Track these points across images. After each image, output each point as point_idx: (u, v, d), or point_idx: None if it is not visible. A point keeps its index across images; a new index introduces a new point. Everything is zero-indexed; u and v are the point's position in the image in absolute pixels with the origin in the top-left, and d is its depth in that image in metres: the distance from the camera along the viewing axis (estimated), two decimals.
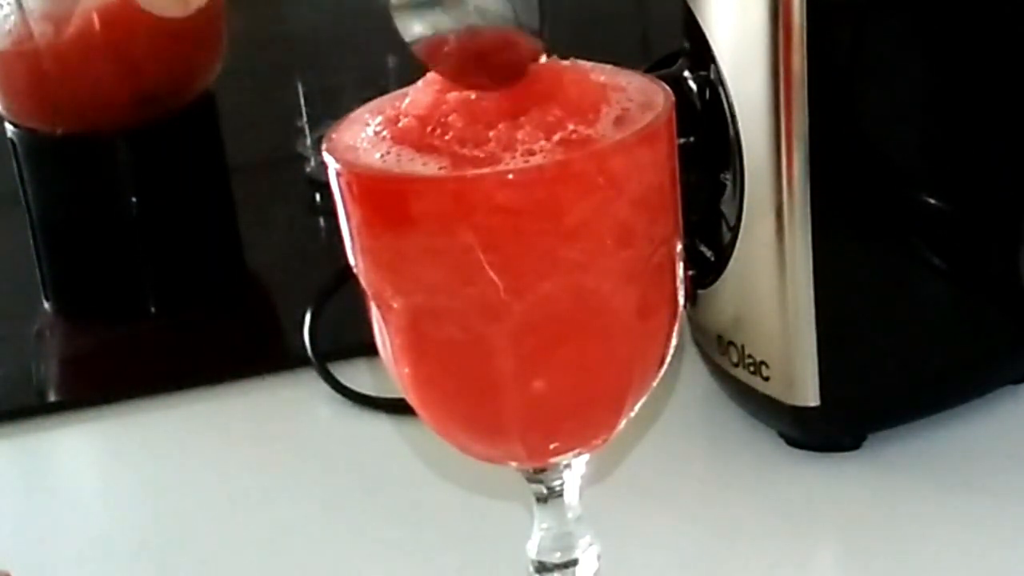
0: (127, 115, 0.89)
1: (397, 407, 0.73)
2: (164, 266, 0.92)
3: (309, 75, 1.06)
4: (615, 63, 0.56)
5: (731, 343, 0.70)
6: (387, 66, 1.04)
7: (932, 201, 0.67)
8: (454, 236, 0.50)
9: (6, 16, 0.88)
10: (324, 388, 0.79)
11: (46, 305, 0.93)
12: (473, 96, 0.52)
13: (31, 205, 0.92)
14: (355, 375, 0.79)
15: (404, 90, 0.55)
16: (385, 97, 0.55)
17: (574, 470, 0.57)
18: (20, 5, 0.87)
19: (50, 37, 0.88)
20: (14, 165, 0.92)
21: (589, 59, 0.55)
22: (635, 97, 0.53)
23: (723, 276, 0.69)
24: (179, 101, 0.91)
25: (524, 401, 0.53)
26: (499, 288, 0.51)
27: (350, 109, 0.55)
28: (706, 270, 0.70)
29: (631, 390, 0.55)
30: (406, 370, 0.55)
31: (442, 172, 0.50)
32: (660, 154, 0.52)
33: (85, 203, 0.91)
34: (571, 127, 0.51)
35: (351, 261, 0.54)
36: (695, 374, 0.75)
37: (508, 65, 0.52)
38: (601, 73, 0.54)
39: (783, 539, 0.66)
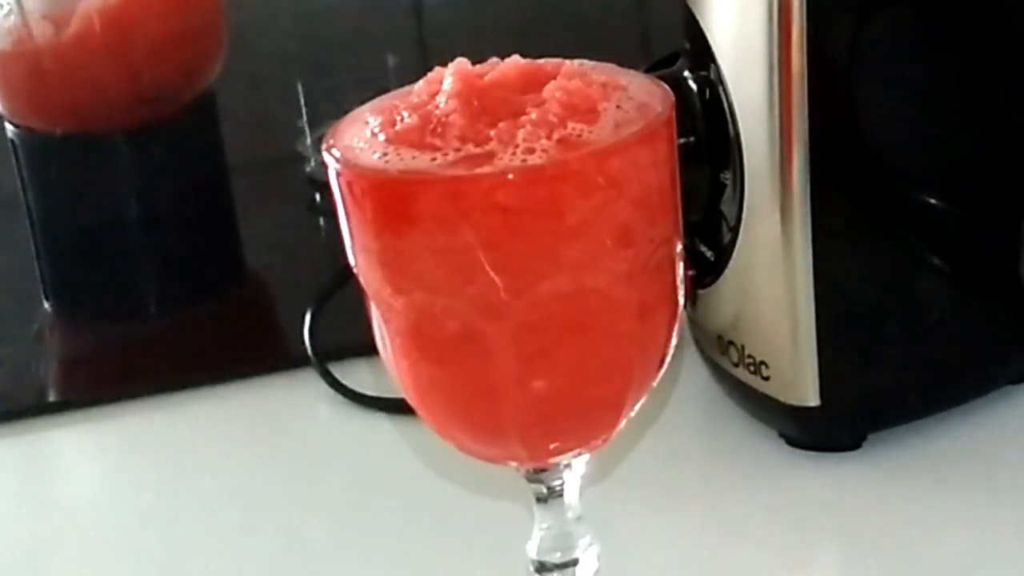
0: (127, 115, 0.89)
1: (397, 407, 0.73)
2: (164, 266, 0.92)
3: (309, 75, 1.06)
4: (615, 63, 0.56)
5: (731, 343, 0.70)
6: (387, 66, 1.04)
7: (932, 201, 0.67)
8: (454, 235, 0.50)
9: (6, 16, 0.88)
10: (324, 388, 0.79)
11: (46, 305, 0.93)
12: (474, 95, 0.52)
13: (31, 205, 0.92)
14: (355, 375, 0.79)
15: (405, 89, 0.55)
16: (385, 96, 0.55)
17: (574, 470, 0.57)
18: (20, 5, 0.87)
19: (50, 37, 0.88)
20: (14, 165, 0.92)
21: (589, 59, 0.55)
22: (635, 97, 0.53)
23: (723, 276, 0.69)
24: (179, 101, 0.91)
25: (524, 401, 0.53)
26: (499, 287, 0.51)
27: (350, 109, 0.55)
28: (706, 270, 0.70)
29: (631, 390, 0.55)
30: (406, 370, 0.55)
31: (442, 171, 0.50)
32: (660, 154, 0.52)
33: (85, 203, 0.91)
34: (571, 126, 0.51)
35: (351, 261, 0.54)
36: (695, 374, 0.75)
37: None
38: (601, 73, 0.54)
39: (783, 539, 0.66)
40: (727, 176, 0.67)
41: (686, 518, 0.68)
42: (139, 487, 0.76)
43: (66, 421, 0.81)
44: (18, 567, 0.71)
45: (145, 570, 0.70)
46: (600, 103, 0.52)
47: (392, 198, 0.51)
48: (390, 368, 0.56)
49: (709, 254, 0.70)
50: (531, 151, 0.50)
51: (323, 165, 0.53)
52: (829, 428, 0.69)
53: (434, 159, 0.51)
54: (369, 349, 0.56)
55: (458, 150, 0.51)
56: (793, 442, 0.70)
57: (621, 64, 0.56)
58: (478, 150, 0.51)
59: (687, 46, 0.69)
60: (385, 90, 0.56)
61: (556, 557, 0.58)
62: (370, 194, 0.52)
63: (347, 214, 0.53)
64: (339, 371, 0.80)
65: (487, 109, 0.52)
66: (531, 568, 0.58)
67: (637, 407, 0.55)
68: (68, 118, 0.89)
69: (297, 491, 0.73)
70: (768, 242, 0.66)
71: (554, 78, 0.53)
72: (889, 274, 0.67)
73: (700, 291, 0.71)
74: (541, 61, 0.54)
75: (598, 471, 0.67)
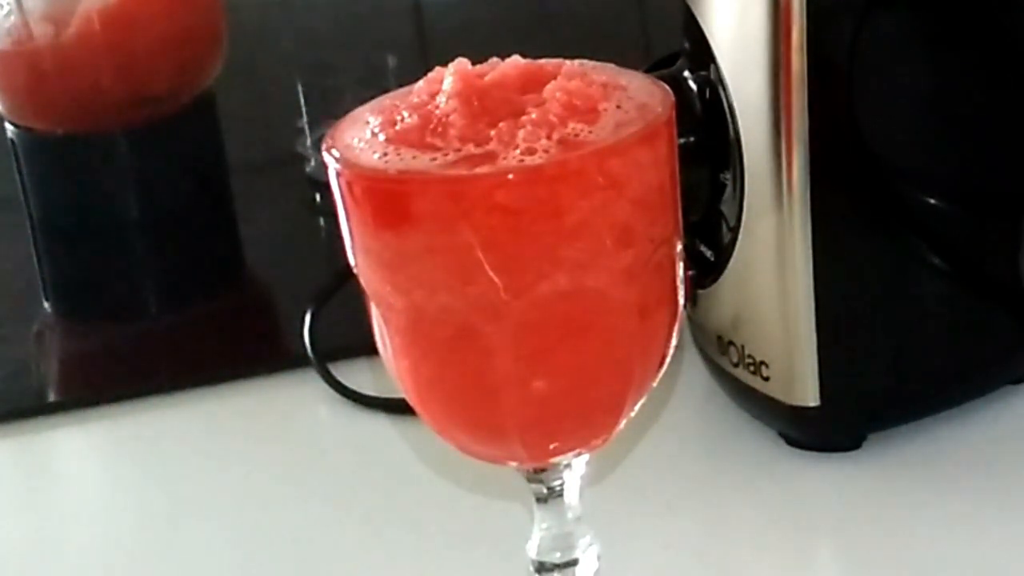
0: (127, 115, 0.89)
1: (397, 407, 0.73)
2: (164, 266, 0.92)
3: (309, 75, 1.06)
4: (615, 63, 0.56)
5: (731, 343, 0.70)
6: (387, 66, 1.04)
7: (932, 201, 0.67)
8: (454, 235, 0.50)
9: (6, 16, 0.88)
10: (324, 388, 0.79)
11: (46, 305, 0.93)
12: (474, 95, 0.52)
13: (31, 205, 0.92)
14: (355, 375, 0.79)
15: (405, 89, 0.55)
16: (386, 96, 0.55)
17: (574, 470, 0.57)
18: (20, 5, 0.88)
19: (50, 37, 0.88)
20: (14, 165, 0.92)
21: (589, 59, 0.55)
22: (635, 97, 0.53)
23: (723, 276, 0.69)
24: (179, 101, 0.91)
25: (524, 401, 0.53)
26: (499, 287, 0.51)
27: (350, 109, 0.55)
28: (706, 270, 0.70)
29: (631, 390, 0.55)
30: (406, 370, 0.55)
31: (442, 171, 0.50)
32: (660, 154, 0.52)
33: (85, 203, 0.91)
34: (571, 126, 0.51)
35: (351, 261, 0.54)
36: (695, 374, 0.75)
37: None
38: (601, 73, 0.54)
39: (783, 539, 0.66)
40: (727, 176, 0.67)
41: (686, 518, 0.68)
42: (139, 487, 0.76)
43: (66, 421, 0.81)
44: (18, 567, 0.71)
45: (145, 570, 0.70)
46: (600, 103, 0.52)
47: (392, 198, 0.51)
48: (390, 368, 0.56)
49: (709, 254, 0.70)
50: (531, 151, 0.50)
51: (323, 165, 0.53)
52: (829, 428, 0.69)
53: (434, 159, 0.51)
54: (369, 349, 0.56)
55: (458, 150, 0.51)
56: (793, 442, 0.70)
57: (621, 64, 0.56)
58: (478, 150, 0.51)
59: (687, 46, 0.69)
60: (385, 90, 0.56)
61: (556, 557, 0.58)
62: (370, 194, 0.52)
63: (347, 214, 0.53)
64: (339, 371, 0.80)
65: (487, 109, 0.52)
66: (531, 568, 0.58)
67: (637, 407, 0.55)
68: (68, 118, 0.89)
69: (297, 491, 0.73)
70: (768, 242, 0.66)
71: (554, 78, 0.53)
72: (889, 274, 0.67)
73: (700, 291, 0.71)
74: (541, 61, 0.54)
75: (598, 471, 0.67)
